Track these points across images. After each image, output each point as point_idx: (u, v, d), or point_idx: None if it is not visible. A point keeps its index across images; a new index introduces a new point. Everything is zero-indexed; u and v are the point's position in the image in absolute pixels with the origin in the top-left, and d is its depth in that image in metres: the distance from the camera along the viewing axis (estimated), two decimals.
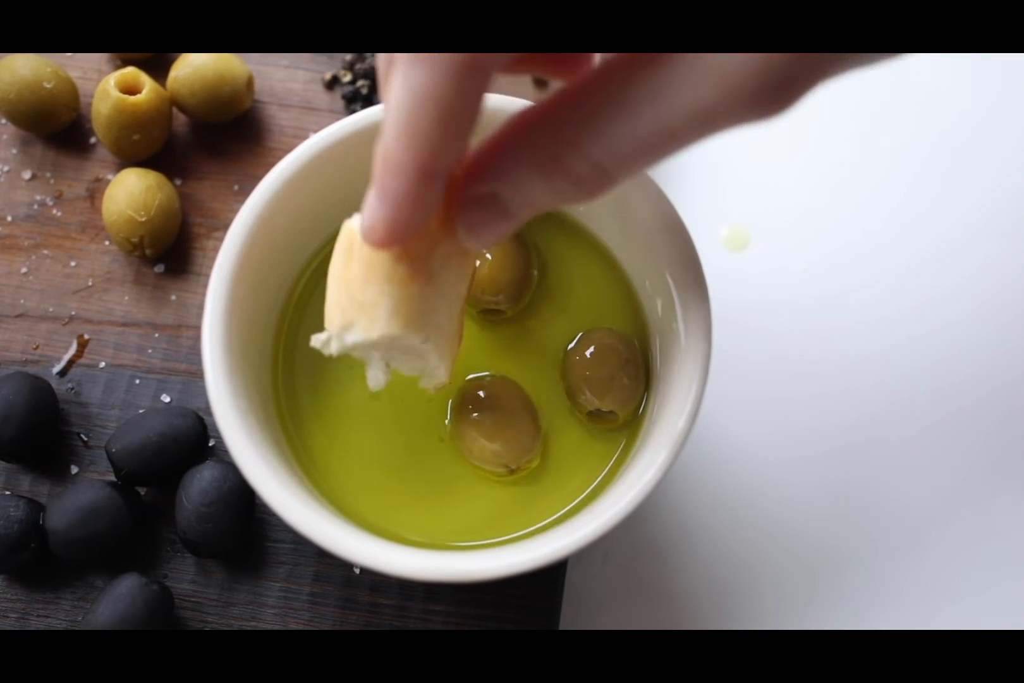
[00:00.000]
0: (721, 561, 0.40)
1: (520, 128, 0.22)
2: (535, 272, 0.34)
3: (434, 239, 0.25)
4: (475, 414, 0.32)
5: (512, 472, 0.32)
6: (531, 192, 0.23)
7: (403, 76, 0.21)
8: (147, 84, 0.38)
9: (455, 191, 0.24)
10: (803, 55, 0.20)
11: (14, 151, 0.41)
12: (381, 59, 0.23)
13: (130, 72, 0.38)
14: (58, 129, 0.41)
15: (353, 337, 0.25)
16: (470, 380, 0.33)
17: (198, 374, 0.38)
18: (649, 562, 0.40)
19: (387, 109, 0.21)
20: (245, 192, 0.40)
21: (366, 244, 0.24)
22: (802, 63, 0.20)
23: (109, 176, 0.41)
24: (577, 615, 0.39)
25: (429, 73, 0.20)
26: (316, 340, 0.27)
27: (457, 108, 0.21)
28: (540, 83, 0.42)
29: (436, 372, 0.28)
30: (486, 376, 0.33)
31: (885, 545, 0.40)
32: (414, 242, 0.25)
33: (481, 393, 0.32)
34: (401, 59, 0.21)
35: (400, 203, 0.22)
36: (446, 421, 0.33)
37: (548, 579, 0.37)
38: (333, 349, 0.26)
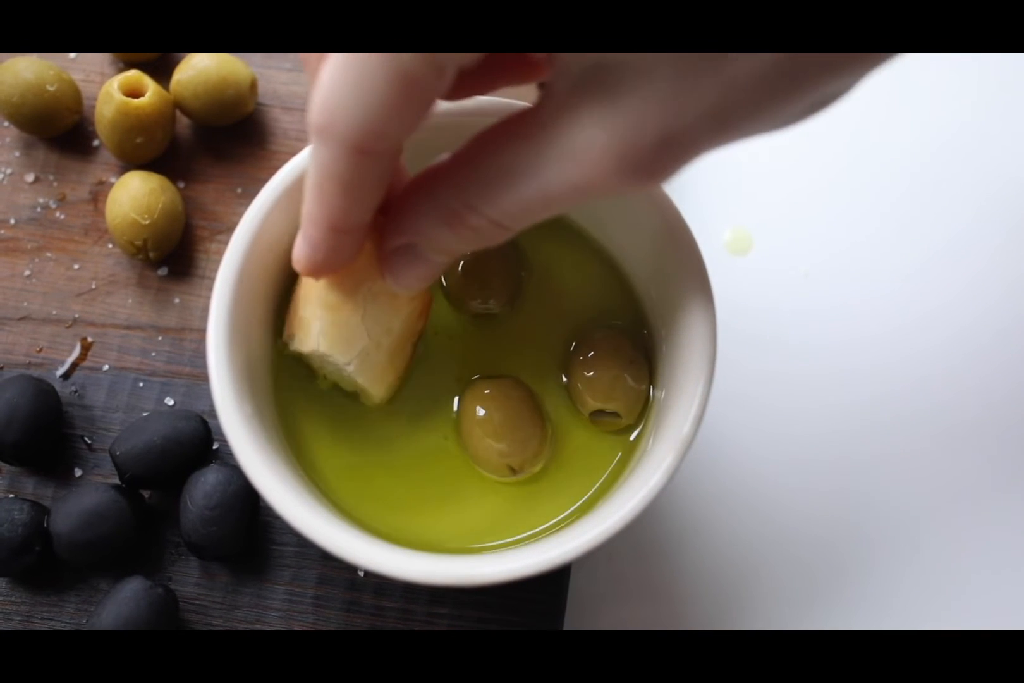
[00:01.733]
0: (724, 563, 0.40)
1: (427, 185, 0.25)
2: (523, 274, 0.34)
3: (359, 277, 0.29)
4: (482, 413, 0.32)
5: (514, 472, 0.32)
6: (440, 241, 0.26)
7: (313, 150, 0.23)
8: (150, 87, 0.38)
9: (380, 241, 0.28)
10: (673, 134, 0.21)
11: (17, 154, 0.41)
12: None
13: (133, 75, 0.38)
14: (61, 132, 0.41)
15: (293, 346, 0.30)
16: (476, 380, 0.33)
17: (202, 377, 0.38)
18: (653, 563, 0.40)
19: (308, 169, 0.24)
20: (248, 195, 0.40)
21: None
22: (669, 144, 0.21)
23: (112, 179, 0.41)
24: (581, 615, 0.39)
25: (329, 153, 0.23)
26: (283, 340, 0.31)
27: (355, 183, 0.23)
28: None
29: (366, 394, 0.31)
30: (493, 377, 0.33)
31: (885, 547, 0.40)
32: (344, 276, 0.28)
33: (488, 393, 0.32)
34: (312, 132, 0.23)
35: (316, 247, 0.26)
36: (453, 416, 0.33)
37: (552, 581, 0.37)
38: (290, 350, 0.30)
